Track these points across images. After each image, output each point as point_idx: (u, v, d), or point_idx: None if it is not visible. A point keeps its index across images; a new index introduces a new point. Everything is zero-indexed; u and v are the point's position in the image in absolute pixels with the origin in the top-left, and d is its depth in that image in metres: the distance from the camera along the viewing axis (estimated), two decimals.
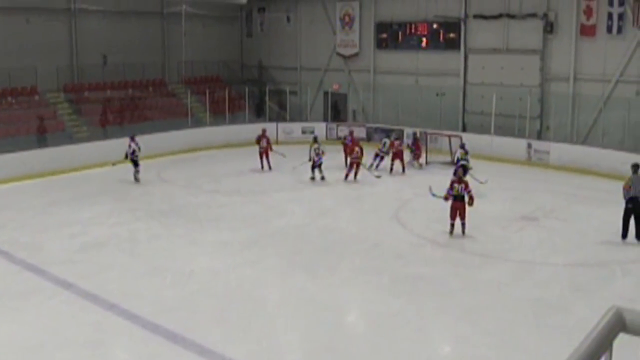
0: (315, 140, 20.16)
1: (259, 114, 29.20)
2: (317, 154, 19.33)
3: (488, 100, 23.36)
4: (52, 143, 21.59)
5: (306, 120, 28.58)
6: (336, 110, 28.83)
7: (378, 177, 19.66)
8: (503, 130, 23.06)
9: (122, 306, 10.27)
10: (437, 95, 24.65)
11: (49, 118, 23.62)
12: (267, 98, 28.40)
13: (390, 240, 13.89)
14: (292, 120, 28.23)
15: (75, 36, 26.21)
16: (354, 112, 28.63)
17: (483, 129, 23.61)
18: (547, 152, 21.55)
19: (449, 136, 22.08)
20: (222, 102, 27.55)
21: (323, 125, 27.19)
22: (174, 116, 26.31)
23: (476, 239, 13.85)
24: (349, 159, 20.11)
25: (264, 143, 21.35)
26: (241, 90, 28.68)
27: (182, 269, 12.10)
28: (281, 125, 27.04)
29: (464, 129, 24.62)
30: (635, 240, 13.35)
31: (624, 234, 13.58)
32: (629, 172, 14.93)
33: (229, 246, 13.45)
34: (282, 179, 20.05)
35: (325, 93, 29.27)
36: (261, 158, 21.24)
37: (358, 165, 19.42)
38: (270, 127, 26.62)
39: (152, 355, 8.82)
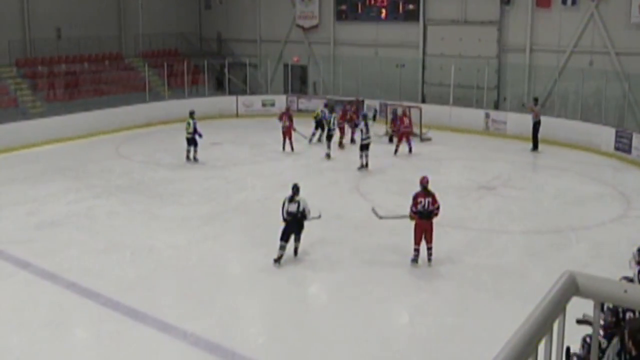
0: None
1: (219, 87, 28.80)
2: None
3: (447, 72, 23.46)
4: (6, 119, 20.92)
5: (266, 92, 28.31)
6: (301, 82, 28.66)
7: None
8: (461, 101, 23.23)
9: (81, 284, 10.09)
10: (396, 66, 24.65)
11: (2, 94, 22.86)
12: (226, 71, 28.00)
13: (351, 211, 13.91)
14: (252, 93, 27.94)
15: (28, 9, 25.28)
16: (314, 84, 28.46)
17: (442, 100, 23.72)
18: (504, 122, 21.81)
19: (409, 107, 22.09)
20: (180, 75, 27.05)
21: (283, 97, 26.98)
22: (132, 90, 25.70)
23: None
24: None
25: (286, 122, 19.54)
26: (200, 64, 28.19)
27: (141, 245, 11.93)
28: (241, 98, 26.74)
29: (424, 100, 24.70)
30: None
31: (533, 147, 19.48)
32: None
33: (189, 221, 13.30)
34: (242, 152, 19.86)
35: (285, 65, 28.99)
36: (283, 138, 19.56)
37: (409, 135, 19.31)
38: (230, 101, 26.37)
39: (113, 333, 8.69)
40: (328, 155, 18.63)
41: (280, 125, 19.82)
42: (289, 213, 10.64)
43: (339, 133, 20.06)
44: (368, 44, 26.46)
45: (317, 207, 14.16)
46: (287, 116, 19.81)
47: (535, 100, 20.22)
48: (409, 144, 19.28)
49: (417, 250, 10.71)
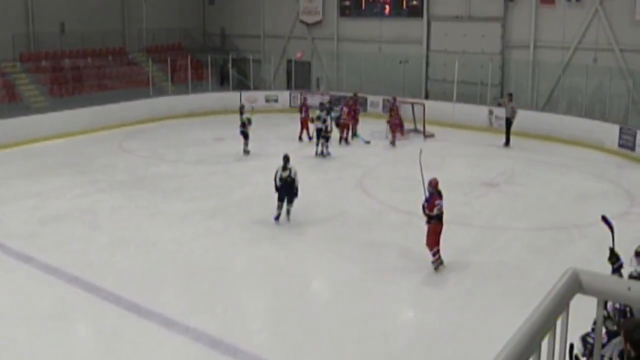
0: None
1: (222, 82, 28.82)
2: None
3: (450, 68, 23.42)
4: (10, 114, 20.95)
5: (270, 88, 28.32)
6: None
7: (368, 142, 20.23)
8: (465, 98, 23.19)
9: (84, 279, 10.11)
10: (400, 62, 24.61)
11: (6, 88, 22.90)
12: (230, 66, 28.01)
13: (354, 207, 13.93)
14: (256, 88, 27.94)
15: (32, 3, 25.29)
16: (317, 80, 28.42)
17: (445, 96, 23.70)
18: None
19: (412, 103, 22.10)
20: (184, 70, 27.06)
21: (286, 93, 26.98)
22: (135, 85, 25.76)
23: None
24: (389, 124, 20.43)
25: (303, 112, 20.68)
26: (204, 59, 28.21)
27: (145, 240, 11.96)
28: (244, 93, 26.72)
29: (427, 96, 24.67)
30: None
31: (506, 143, 19.80)
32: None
33: (193, 217, 13.32)
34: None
35: (289, 61, 28.98)
36: (301, 128, 20.64)
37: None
38: (234, 96, 26.35)
39: (115, 328, 8.71)
40: (322, 154, 18.68)
41: (299, 116, 20.79)
42: (281, 179, 12.65)
43: (344, 129, 20.25)
44: (371, 39, 26.44)
45: (321, 202, 14.26)
46: (305, 108, 20.65)
47: (510, 95, 20.35)
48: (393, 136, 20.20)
49: (438, 251, 10.34)
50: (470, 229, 12.55)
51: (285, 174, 12.68)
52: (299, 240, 12.06)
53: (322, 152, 18.62)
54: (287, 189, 12.70)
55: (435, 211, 10.17)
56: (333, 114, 19.49)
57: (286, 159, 12.85)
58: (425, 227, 10.39)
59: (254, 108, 20.17)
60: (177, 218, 13.27)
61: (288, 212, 12.89)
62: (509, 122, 19.91)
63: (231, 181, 16.22)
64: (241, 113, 18.90)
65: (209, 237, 12.19)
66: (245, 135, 18.84)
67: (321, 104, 20.06)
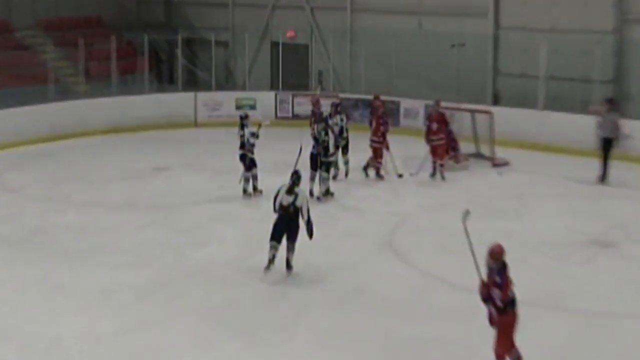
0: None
1: (171, 78, 28.98)
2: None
3: (533, 55, 23.53)
4: None
5: (243, 88, 28.39)
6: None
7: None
8: (558, 103, 23.20)
9: None
10: (452, 46, 24.74)
11: None
12: (178, 52, 28.13)
13: (380, 281, 13.84)
14: (221, 88, 28.03)
15: None
16: (319, 73, 28.52)
17: (526, 101, 23.77)
18: (628, 137, 21.66)
19: (473, 112, 22.10)
20: (105, 59, 27.16)
21: (270, 95, 27.00)
22: (27, 82, 25.91)
23: (517, 276, 13.75)
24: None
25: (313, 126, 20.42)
26: (137, 41, 28.38)
27: (37, 334, 11.79)
28: (202, 96, 26.79)
29: (496, 101, 24.72)
30: None
31: (602, 178, 19.93)
32: None
33: (117, 296, 13.20)
34: (202, 184, 19.77)
35: (275, 44, 29.11)
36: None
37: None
38: (185, 100, 26.43)
39: None
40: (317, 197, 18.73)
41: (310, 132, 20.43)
42: (281, 206, 13.35)
43: (377, 156, 20.40)
44: (406, 10, 26.62)
45: (327, 272, 14.10)
46: (315, 118, 20.56)
47: (610, 102, 20.52)
48: (434, 165, 20.11)
49: None
50: (570, 317, 12.41)
51: (289, 200, 13.30)
52: (290, 335, 11.87)
53: (318, 196, 18.48)
54: (287, 222, 13.33)
55: (510, 294, 9.93)
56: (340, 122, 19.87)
57: (296, 177, 13.59)
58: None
59: (265, 124, 19.45)
60: (92, 299, 13.14)
61: (288, 263, 13.57)
62: (608, 144, 19.94)
63: (179, 237, 16.16)
64: (242, 126, 18.56)
65: (143, 331, 12.03)
66: (246, 162, 18.46)
67: (315, 114, 20.12)
